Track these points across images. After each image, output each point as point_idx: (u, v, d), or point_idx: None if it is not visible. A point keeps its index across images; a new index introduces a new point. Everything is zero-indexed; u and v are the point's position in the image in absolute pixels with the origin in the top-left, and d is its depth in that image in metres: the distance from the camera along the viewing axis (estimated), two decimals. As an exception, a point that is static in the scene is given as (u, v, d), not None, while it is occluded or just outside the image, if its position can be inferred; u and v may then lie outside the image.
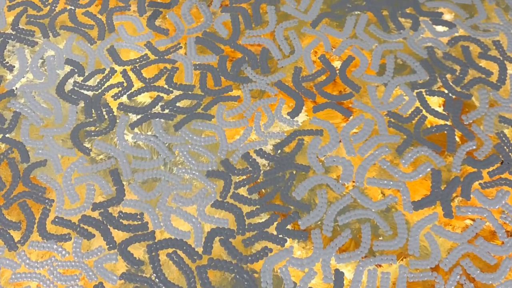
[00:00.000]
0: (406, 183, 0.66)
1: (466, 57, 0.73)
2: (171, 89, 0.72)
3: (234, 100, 0.71)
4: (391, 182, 0.66)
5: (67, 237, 0.64)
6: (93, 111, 0.71)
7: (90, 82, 0.73)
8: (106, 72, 0.73)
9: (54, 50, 0.75)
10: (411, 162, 0.67)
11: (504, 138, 0.68)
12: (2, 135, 0.70)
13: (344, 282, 0.61)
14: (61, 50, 0.75)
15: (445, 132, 0.68)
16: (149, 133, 0.69)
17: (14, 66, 0.74)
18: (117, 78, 0.73)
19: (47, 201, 0.65)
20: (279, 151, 0.68)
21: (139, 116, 0.70)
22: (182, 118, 0.70)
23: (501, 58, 0.73)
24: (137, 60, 0.74)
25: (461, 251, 0.62)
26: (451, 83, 0.72)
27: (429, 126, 0.69)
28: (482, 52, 0.74)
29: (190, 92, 0.72)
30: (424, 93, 0.71)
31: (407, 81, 0.72)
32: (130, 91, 0.72)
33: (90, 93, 0.72)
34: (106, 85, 0.72)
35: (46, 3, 0.79)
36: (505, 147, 0.67)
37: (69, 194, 0.66)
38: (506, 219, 0.63)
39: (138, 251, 0.63)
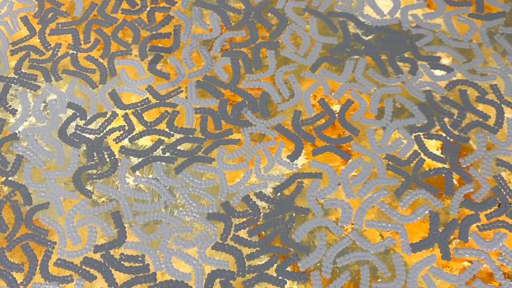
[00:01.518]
0: (404, 225, 0.70)
1: (464, 101, 0.79)
2: (172, 132, 0.77)
3: (234, 143, 0.76)
4: (390, 225, 0.70)
5: (69, 278, 0.69)
6: (95, 154, 0.76)
7: (92, 126, 0.78)
8: (108, 115, 0.79)
9: (57, 94, 0.81)
10: (409, 204, 0.72)
11: (501, 181, 0.73)
12: (5, 178, 0.75)
13: (343, 323, 0.66)
14: (63, 94, 0.81)
15: (443, 175, 0.74)
16: (150, 176, 0.74)
17: (16, 110, 0.80)
18: (119, 122, 0.79)
19: (49, 243, 0.70)
20: (278, 194, 0.73)
21: (140, 159, 0.75)
22: (183, 161, 0.75)
23: (499, 102, 0.79)
24: (139, 104, 0.80)
25: (459, 293, 0.67)
26: (449, 127, 0.77)
27: (427, 169, 0.74)
28: (479, 96, 0.79)
29: (190, 136, 0.77)
30: (422, 137, 0.76)
31: (405, 125, 0.77)
32: (131, 135, 0.77)
33: (92, 136, 0.77)
34: (107, 128, 0.78)
35: (49, 47, 0.85)
36: (502, 190, 0.72)
37: (71, 236, 0.71)
38: (503, 261, 0.68)
39: (139, 292, 0.68)
